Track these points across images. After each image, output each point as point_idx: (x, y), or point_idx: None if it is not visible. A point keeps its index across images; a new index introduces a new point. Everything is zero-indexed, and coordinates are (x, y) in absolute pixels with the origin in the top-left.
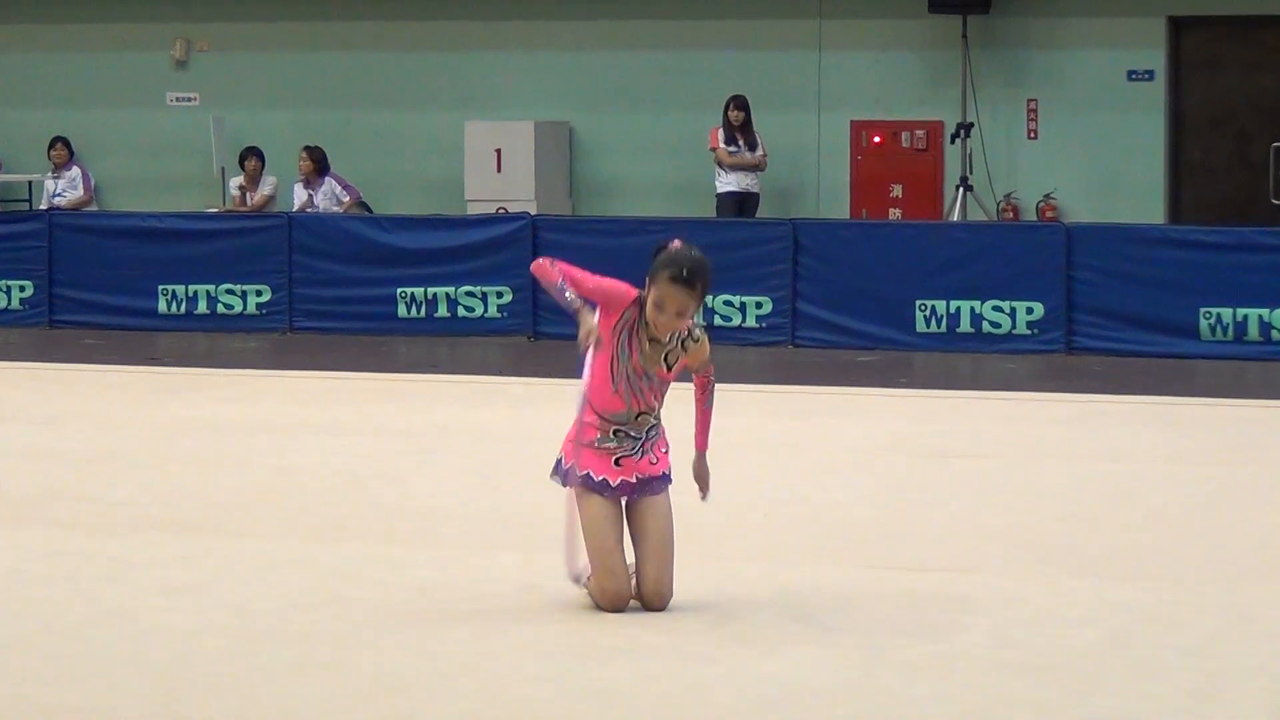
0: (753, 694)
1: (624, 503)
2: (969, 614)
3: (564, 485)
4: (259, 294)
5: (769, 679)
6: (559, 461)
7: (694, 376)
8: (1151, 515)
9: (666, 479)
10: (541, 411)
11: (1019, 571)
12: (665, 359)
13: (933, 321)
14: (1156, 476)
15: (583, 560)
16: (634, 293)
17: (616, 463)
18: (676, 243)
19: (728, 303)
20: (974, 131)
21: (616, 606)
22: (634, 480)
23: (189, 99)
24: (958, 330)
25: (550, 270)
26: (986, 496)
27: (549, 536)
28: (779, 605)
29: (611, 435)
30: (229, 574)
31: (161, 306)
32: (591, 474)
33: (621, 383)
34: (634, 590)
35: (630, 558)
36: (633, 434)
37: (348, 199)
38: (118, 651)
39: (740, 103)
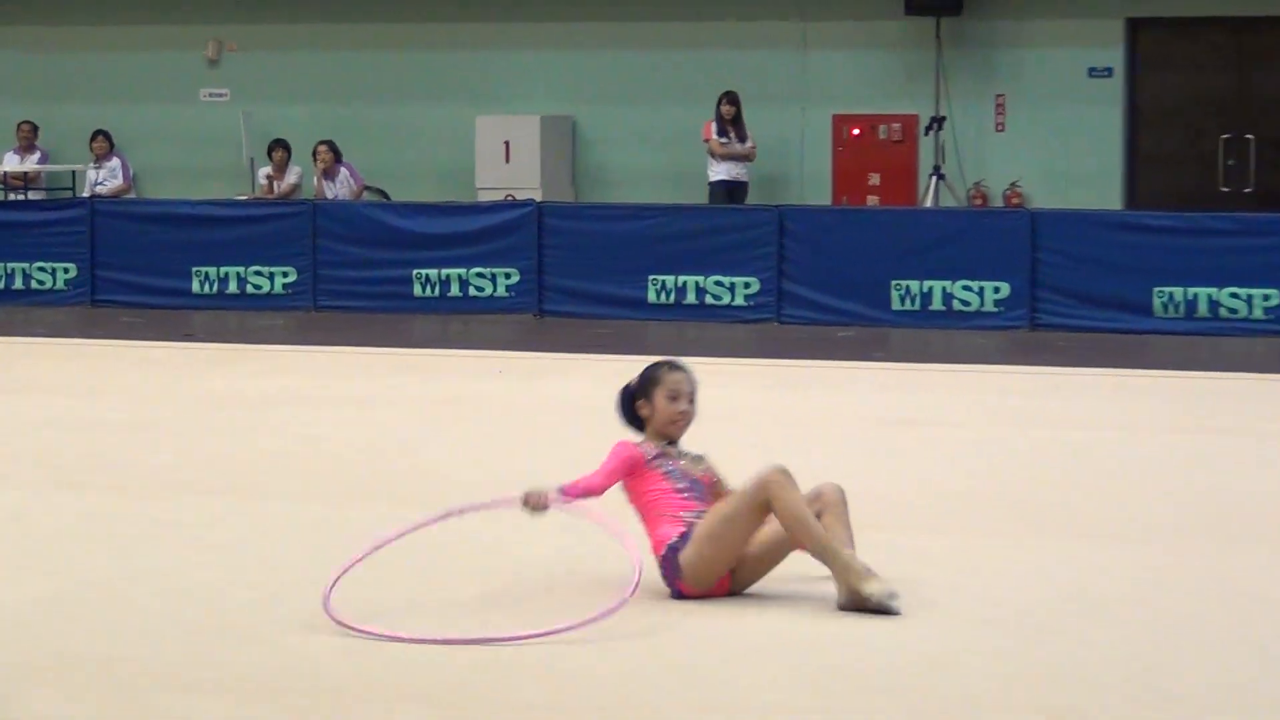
0: (735, 644)
1: None
2: (936, 569)
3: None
4: (285, 275)
5: (750, 630)
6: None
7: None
8: (1106, 478)
9: None
10: (546, 383)
11: (983, 530)
12: (705, 469)
13: (907, 300)
14: (1111, 443)
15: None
16: (633, 443)
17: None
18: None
19: (719, 283)
20: (946, 124)
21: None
22: None
23: (220, 95)
24: (930, 308)
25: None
26: (955, 461)
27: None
28: None
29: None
30: (258, 534)
31: (195, 287)
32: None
33: (685, 489)
34: None
35: None
36: None
37: (356, 185)
38: (155, 606)
39: (731, 98)
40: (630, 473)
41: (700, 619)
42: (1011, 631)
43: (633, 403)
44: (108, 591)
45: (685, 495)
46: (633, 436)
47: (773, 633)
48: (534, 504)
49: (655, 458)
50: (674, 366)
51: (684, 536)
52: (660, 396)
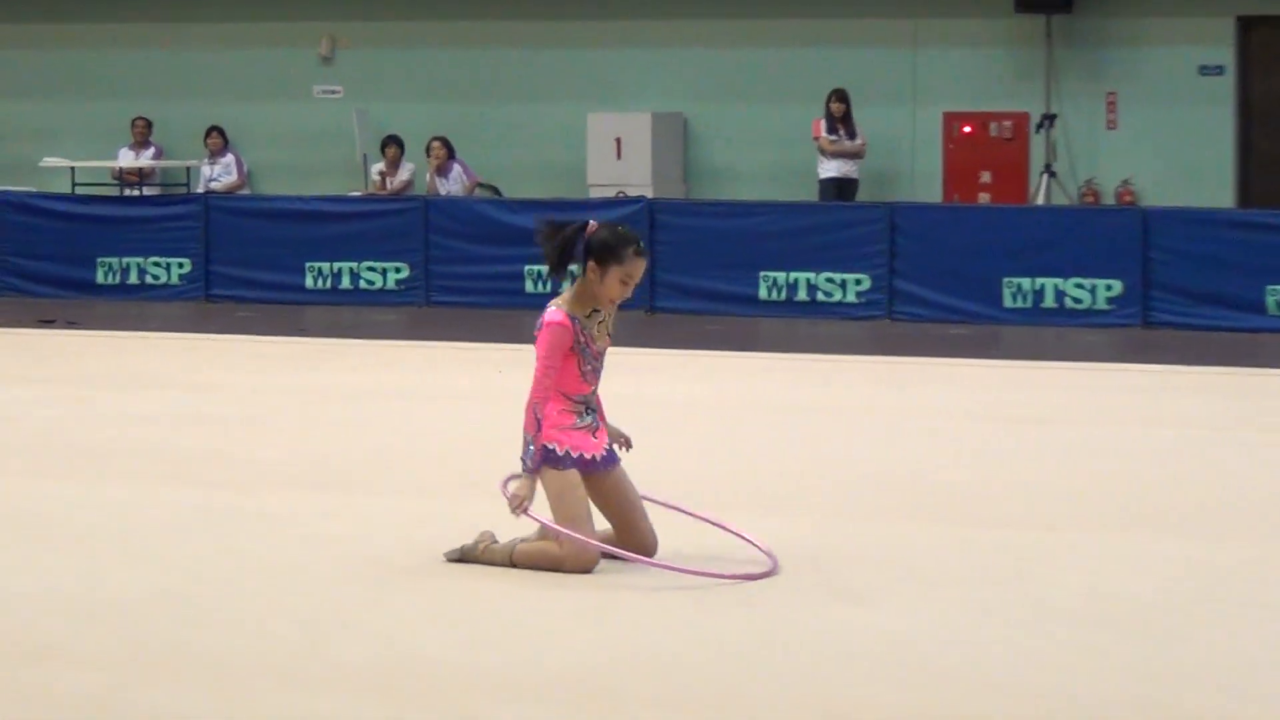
0: (855, 645)
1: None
2: (1058, 570)
3: (556, 468)
4: (398, 271)
5: (870, 629)
6: (551, 451)
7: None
8: (1226, 477)
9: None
10: (656, 380)
11: (1104, 530)
12: (609, 330)
13: (1019, 297)
14: (1230, 441)
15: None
16: (565, 318)
17: (594, 435)
18: (594, 223)
19: (830, 280)
20: (1057, 122)
21: (589, 568)
22: (607, 450)
23: (333, 91)
24: (1042, 306)
25: (532, 419)
26: (1071, 459)
27: (684, 495)
28: (880, 561)
29: (585, 412)
30: (368, 528)
31: (308, 282)
32: (584, 454)
33: (589, 371)
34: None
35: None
36: (592, 405)
37: (468, 182)
38: (265, 600)
39: (841, 95)
40: (565, 350)
41: (798, 621)
42: (1136, 631)
43: (574, 246)
44: (219, 585)
45: (584, 377)
46: (556, 303)
47: (878, 633)
48: (519, 506)
49: (579, 339)
50: (641, 251)
51: (559, 459)
52: (615, 274)
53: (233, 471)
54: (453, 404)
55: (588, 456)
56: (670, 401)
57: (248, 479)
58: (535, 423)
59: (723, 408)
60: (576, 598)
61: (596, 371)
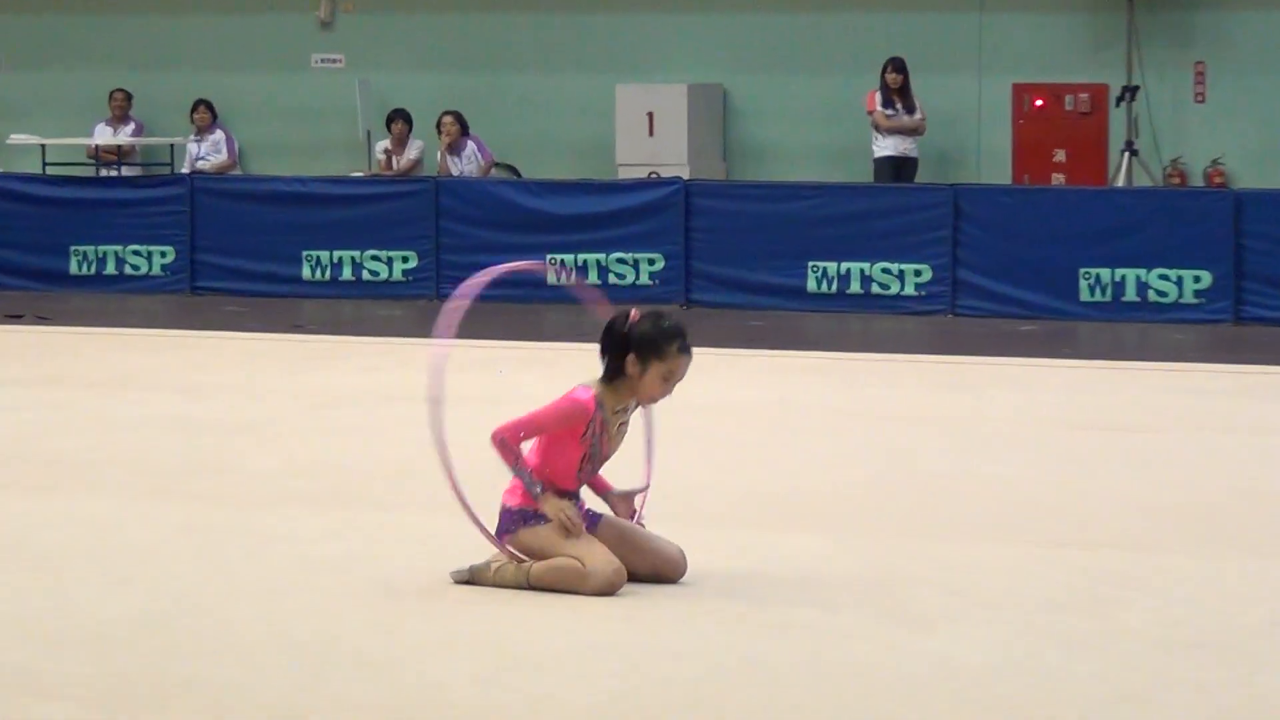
0: (909, 672)
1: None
2: (1132, 591)
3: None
4: (405, 260)
5: (926, 656)
6: (524, 511)
7: None
8: None
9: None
10: (697, 381)
11: (1185, 548)
12: (622, 430)
13: (1097, 290)
14: None
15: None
16: (591, 402)
17: None
18: (635, 311)
19: (886, 270)
20: (1139, 95)
21: (614, 588)
22: (585, 514)
23: (334, 61)
24: (1123, 299)
25: (507, 452)
26: (1152, 471)
27: (719, 511)
28: (938, 581)
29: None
30: (371, 547)
31: (306, 273)
32: None
33: (587, 470)
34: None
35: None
36: (575, 497)
37: (484, 161)
38: (259, 627)
39: (898, 65)
40: (571, 431)
41: (845, 648)
42: (1219, 660)
43: (624, 343)
44: (210, 611)
45: (579, 475)
46: (590, 383)
47: (935, 661)
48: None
49: (594, 431)
50: (685, 348)
51: (534, 517)
52: (656, 371)
53: (222, 484)
54: (464, 408)
55: None
56: (707, 405)
57: (238, 492)
58: (513, 452)
59: (766, 412)
60: (600, 624)
61: (594, 473)
